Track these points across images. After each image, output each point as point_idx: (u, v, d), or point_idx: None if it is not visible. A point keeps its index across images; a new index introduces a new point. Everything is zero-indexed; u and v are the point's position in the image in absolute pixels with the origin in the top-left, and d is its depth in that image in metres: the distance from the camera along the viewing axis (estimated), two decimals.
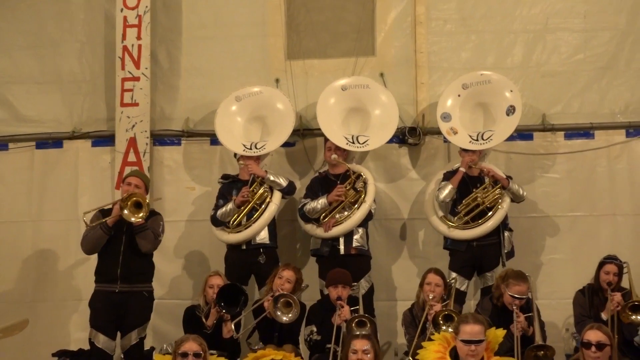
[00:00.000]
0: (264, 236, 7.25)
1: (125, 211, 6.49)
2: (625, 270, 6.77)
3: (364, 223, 7.31)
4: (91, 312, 6.81)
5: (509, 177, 7.25)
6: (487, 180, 7.21)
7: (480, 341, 5.38)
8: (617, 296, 6.51)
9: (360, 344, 5.56)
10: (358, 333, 5.93)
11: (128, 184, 6.76)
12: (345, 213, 7.24)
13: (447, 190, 7.19)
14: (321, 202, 7.26)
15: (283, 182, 7.36)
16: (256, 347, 6.63)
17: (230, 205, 7.24)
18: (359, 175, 7.38)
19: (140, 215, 6.54)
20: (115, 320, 6.73)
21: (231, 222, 7.26)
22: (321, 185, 7.44)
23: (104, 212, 6.78)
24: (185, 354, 5.62)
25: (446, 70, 8.02)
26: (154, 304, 7.00)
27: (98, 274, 6.84)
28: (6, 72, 8.42)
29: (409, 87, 8.07)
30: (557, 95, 7.98)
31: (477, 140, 7.37)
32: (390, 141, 7.83)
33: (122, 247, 6.69)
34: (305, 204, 7.36)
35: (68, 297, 8.02)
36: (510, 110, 7.39)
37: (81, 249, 6.88)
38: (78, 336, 7.66)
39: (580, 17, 7.97)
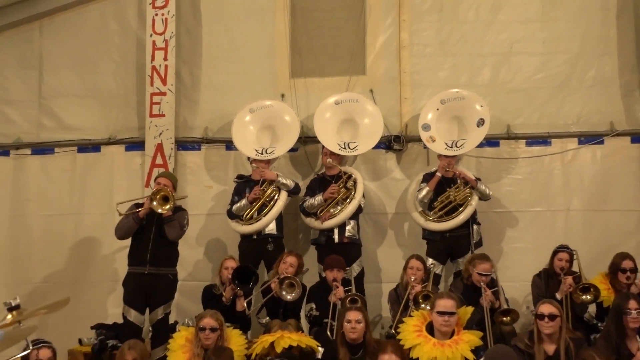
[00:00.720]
0: (272, 228, 7.31)
1: (155, 203, 6.56)
2: (575, 257, 6.89)
3: (355, 216, 7.38)
4: (124, 290, 6.88)
5: (478, 179, 7.33)
6: (459, 181, 7.25)
7: (452, 313, 5.53)
8: (569, 279, 6.60)
9: (353, 315, 5.67)
10: (351, 306, 6.05)
11: (158, 183, 6.81)
12: (339, 207, 7.30)
13: (425, 191, 7.27)
14: (318, 199, 7.35)
15: (290, 184, 7.44)
16: (264, 321, 6.79)
17: (244, 202, 7.33)
18: (349, 176, 7.46)
19: (167, 207, 6.59)
20: (144, 298, 6.80)
21: (244, 216, 7.33)
22: (318, 184, 7.52)
23: (138, 206, 6.85)
24: (203, 329, 5.76)
25: (426, 87, 8.04)
26: (177, 285, 7.03)
27: (130, 258, 6.90)
28: (53, 87, 8.45)
29: (395, 101, 8.09)
30: (520, 108, 8.01)
31: (451, 147, 7.41)
32: (379, 147, 7.91)
33: (152, 236, 6.75)
34: (305, 201, 7.45)
35: (105, 278, 8.05)
36: (480, 122, 7.44)
37: (115, 235, 6.95)
38: (113, 312, 7.69)
39: (539, 42, 8.02)
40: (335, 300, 6.46)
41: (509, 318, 6.20)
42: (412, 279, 6.68)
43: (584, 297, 6.50)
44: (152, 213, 6.72)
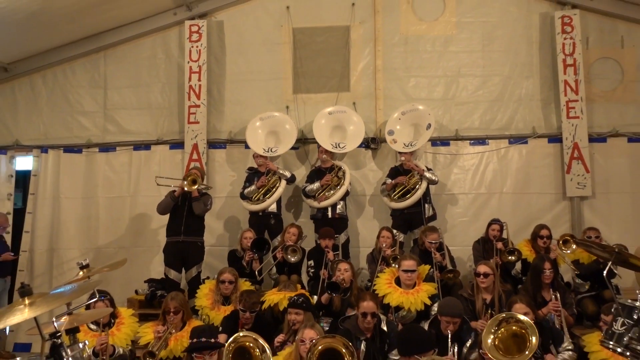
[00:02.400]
0: (273, 207, 7.34)
1: (185, 182, 6.70)
2: (505, 227, 6.96)
3: (343, 198, 7.42)
4: (164, 255, 6.97)
5: (430, 169, 7.36)
6: (412, 171, 7.28)
7: (414, 271, 5.66)
8: (499, 244, 6.71)
9: (343, 266, 5.89)
10: (341, 259, 6.27)
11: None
12: (332, 192, 7.32)
13: (383, 187, 7.43)
14: (316, 185, 7.38)
15: (287, 174, 7.43)
16: (274, 276, 6.92)
17: (253, 187, 7.36)
18: (340, 168, 7.51)
19: (194, 187, 6.73)
20: (180, 260, 6.87)
21: (253, 198, 7.35)
22: (316, 174, 7.54)
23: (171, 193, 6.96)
24: (223, 281, 5.85)
25: (395, 101, 8.02)
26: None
27: (168, 230, 6.97)
28: (116, 102, 8.43)
29: (371, 112, 8.09)
30: (465, 117, 8.05)
31: (408, 146, 7.48)
32: (360, 146, 7.92)
33: (185, 213, 6.82)
34: (306, 187, 7.48)
35: (154, 244, 7.99)
36: (428, 126, 7.53)
37: (156, 211, 7.02)
38: (160, 270, 7.45)
39: (480, 67, 8.06)
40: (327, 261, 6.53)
41: (452, 275, 6.29)
42: (384, 245, 6.76)
43: (510, 257, 6.58)
44: (185, 196, 6.81)
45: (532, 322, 3.79)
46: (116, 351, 4.94)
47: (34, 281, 8.08)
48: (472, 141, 8.04)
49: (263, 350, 3.78)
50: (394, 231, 7.15)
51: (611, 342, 3.29)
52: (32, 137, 8.57)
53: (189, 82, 8.16)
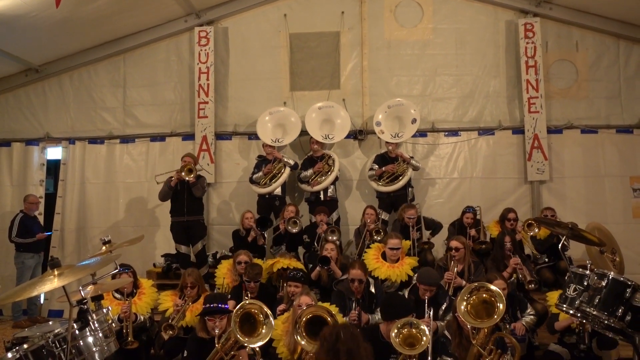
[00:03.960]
0: (278, 190, 7.31)
1: (183, 173, 6.77)
2: (477, 211, 6.95)
3: (334, 182, 7.41)
4: (172, 234, 7.07)
5: (412, 157, 7.37)
6: (399, 159, 7.31)
7: (398, 248, 5.68)
8: (473, 231, 6.73)
9: (329, 246, 5.89)
10: (329, 239, 6.27)
11: (184, 160, 6.99)
12: (323, 177, 7.31)
13: (372, 173, 7.39)
14: (309, 172, 7.37)
15: (291, 162, 7.40)
16: (275, 251, 6.93)
17: (260, 173, 7.32)
18: (329, 156, 7.49)
19: (191, 176, 6.78)
20: (186, 236, 6.97)
21: (261, 182, 7.32)
22: (309, 162, 7.51)
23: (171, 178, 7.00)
24: (239, 262, 5.79)
25: (379, 97, 7.95)
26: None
27: (173, 211, 7.05)
28: (134, 98, 8.34)
29: (359, 106, 8.05)
30: (441, 111, 8.02)
31: (395, 137, 7.47)
32: (349, 137, 7.91)
33: (185, 196, 6.91)
34: (300, 174, 7.47)
35: (166, 224, 7.82)
36: (414, 120, 7.51)
37: (158, 198, 7.12)
38: (174, 245, 7.50)
39: (454, 67, 8.03)
40: (321, 232, 6.57)
41: (427, 246, 6.38)
42: (368, 221, 6.80)
43: (481, 246, 6.59)
44: (183, 182, 6.86)
45: (500, 291, 3.81)
46: (138, 318, 4.93)
47: (65, 256, 8.05)
48: (447, 133, 8.01)
49: (266, 317, 3.79)
50: (379, 210, 7.18)
51: (564, 305, 3.31)
52: (61, 130, 8.49)
53: (198, 81, 8.09)
